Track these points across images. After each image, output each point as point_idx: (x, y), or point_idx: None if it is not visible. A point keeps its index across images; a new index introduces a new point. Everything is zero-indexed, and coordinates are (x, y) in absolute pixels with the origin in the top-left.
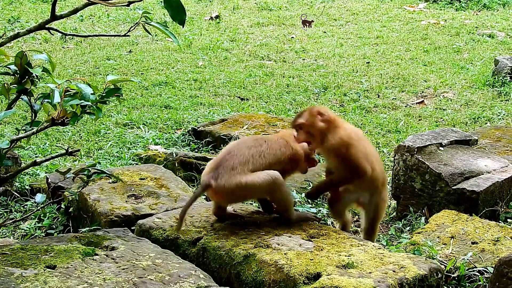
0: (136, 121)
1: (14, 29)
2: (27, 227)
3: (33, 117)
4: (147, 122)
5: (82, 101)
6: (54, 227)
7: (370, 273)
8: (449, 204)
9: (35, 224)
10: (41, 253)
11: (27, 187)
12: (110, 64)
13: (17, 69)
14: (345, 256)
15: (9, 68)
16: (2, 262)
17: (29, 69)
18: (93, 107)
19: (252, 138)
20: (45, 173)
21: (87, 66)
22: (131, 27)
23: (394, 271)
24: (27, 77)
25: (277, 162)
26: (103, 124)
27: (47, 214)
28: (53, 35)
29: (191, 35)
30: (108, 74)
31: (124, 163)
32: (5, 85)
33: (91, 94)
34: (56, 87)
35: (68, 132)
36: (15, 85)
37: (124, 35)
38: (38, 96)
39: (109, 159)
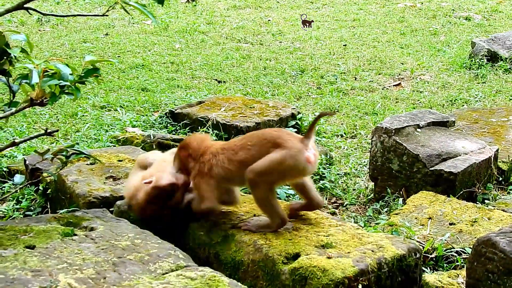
0: (113, 103)
1: None
2: (5, 209)
3: (11, 98)
4: (124, 105)
5: (61, 81)
6: (32, 209)
7: (348, 253)
8: (426, 185)
9: (13, 206)
10: (20, 233)
11: (4, 169)
12: (86, 47)
13: None
14: (324, 236)
15: None
16: None
17: (7, 49)
18: (72, 87)
19: None
20: (23, 155)
21: (63, 49)
22: (110, 6)
23: (372, 251)
24: (5, 57)
25: None
26: (80, 107)
27: (25, 196)
28: (31, 15)
29: (167, 18)
30: (84, 57)
31: (101, 145)
32: None
33: (70, 74)
34: (34, 67)
35: (45, 114)
36: None
37: (103, 15)
38: (17, 77)
39: (86, 141)
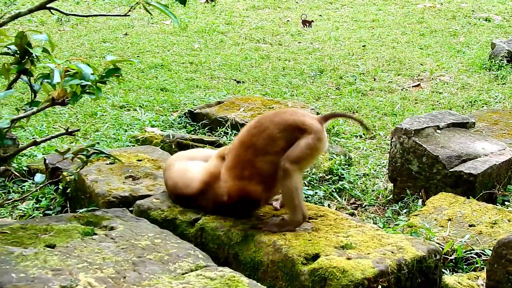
0: (133, 103)
1: (10, 12)
2: (25, 208)
3: (32, 97)
4: (143, 105)
5: (82, 81)
6: (52, 208)
7: (368, 254)
8: (446, 186)
9: (33, 205)
10: (40, 232)
11: (24, 168)
12: (106, 46)
13: (17, 49)
14: (343, 237)
15: (9, 48)
16: (2, 241)
17: (29, 49)
18: (93, 87)
19: None
20: (43, 154)
21: (83, 48)
22: (132, 6)
23: (392, 252)
24: (27, 57)
25: None
26: (100, 106)
27: (45, 195)
28: (52, 14)
29: (186, 18)
30: (104, 57)
31: (121, 145)
32: (5, 65)
33: (91, 74)
34: (55, 67)
35: (65, 114)
36: (15, 65)
37: (125, 15)
38: (38, 76)
39: (106, 141)
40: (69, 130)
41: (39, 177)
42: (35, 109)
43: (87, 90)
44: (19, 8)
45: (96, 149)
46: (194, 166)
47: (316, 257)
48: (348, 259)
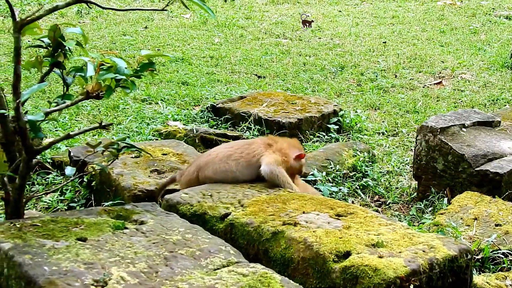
0: (154, 96)
1: (43, 5)
2: (50, 200)
3: (64, 90)
4: (165, 98)
5: (117, 75)
6: (76, 200)
7: (400, 252)
8: (471, 185)
9: (57, 197)
10: (71, 225)
11: (48, 160)
12: (126, 39)
13: (50, 42)
14: (374, 235)
15: (42, 41)
16: (34, 234)
17: (62, 42)
18: (128, 81)
19: None
20: (66, 146)
21: (103, 41)
22: (169, 1)
23: (424, 251)
24: (60, 50)
25: None
26: (122, 100)
27: (70, 187)
28: (90, 8)
29: (206, 12)
30: (124, 50)
31: (143, 138)
32: (38, 57)
33: (125, 68)
34: (89, 60)
35: (87, 106)
36: (48, 58)
37: (162, 9)
38: (70, 70)
39: (128, 134)
40: (103, 123)
41: (69, 170)
42: (68, 102)
43: (122, 84)
44: (55, 1)
45: (126, 143)
46: None
47: (347, 254)
48: (380, 257)
